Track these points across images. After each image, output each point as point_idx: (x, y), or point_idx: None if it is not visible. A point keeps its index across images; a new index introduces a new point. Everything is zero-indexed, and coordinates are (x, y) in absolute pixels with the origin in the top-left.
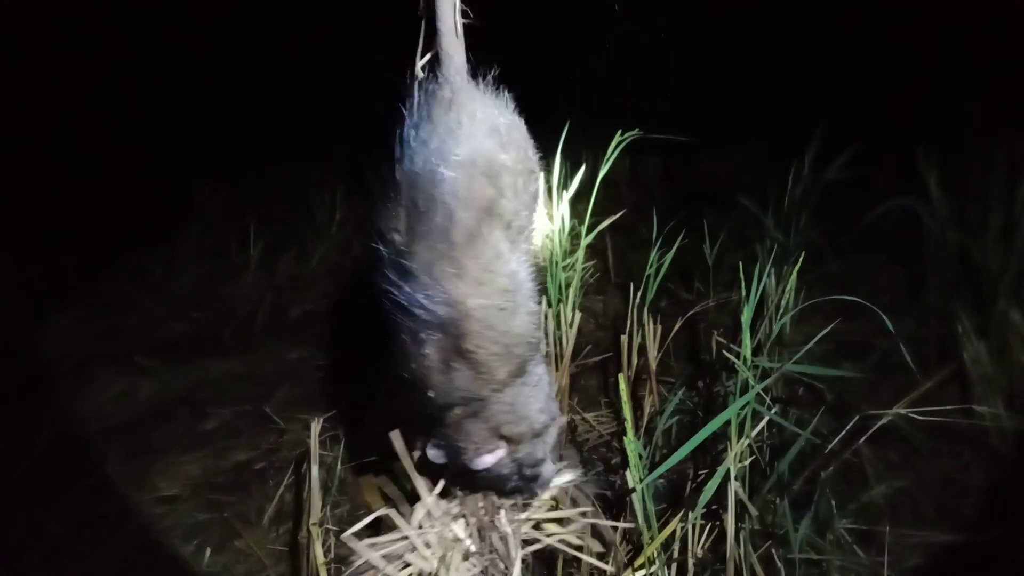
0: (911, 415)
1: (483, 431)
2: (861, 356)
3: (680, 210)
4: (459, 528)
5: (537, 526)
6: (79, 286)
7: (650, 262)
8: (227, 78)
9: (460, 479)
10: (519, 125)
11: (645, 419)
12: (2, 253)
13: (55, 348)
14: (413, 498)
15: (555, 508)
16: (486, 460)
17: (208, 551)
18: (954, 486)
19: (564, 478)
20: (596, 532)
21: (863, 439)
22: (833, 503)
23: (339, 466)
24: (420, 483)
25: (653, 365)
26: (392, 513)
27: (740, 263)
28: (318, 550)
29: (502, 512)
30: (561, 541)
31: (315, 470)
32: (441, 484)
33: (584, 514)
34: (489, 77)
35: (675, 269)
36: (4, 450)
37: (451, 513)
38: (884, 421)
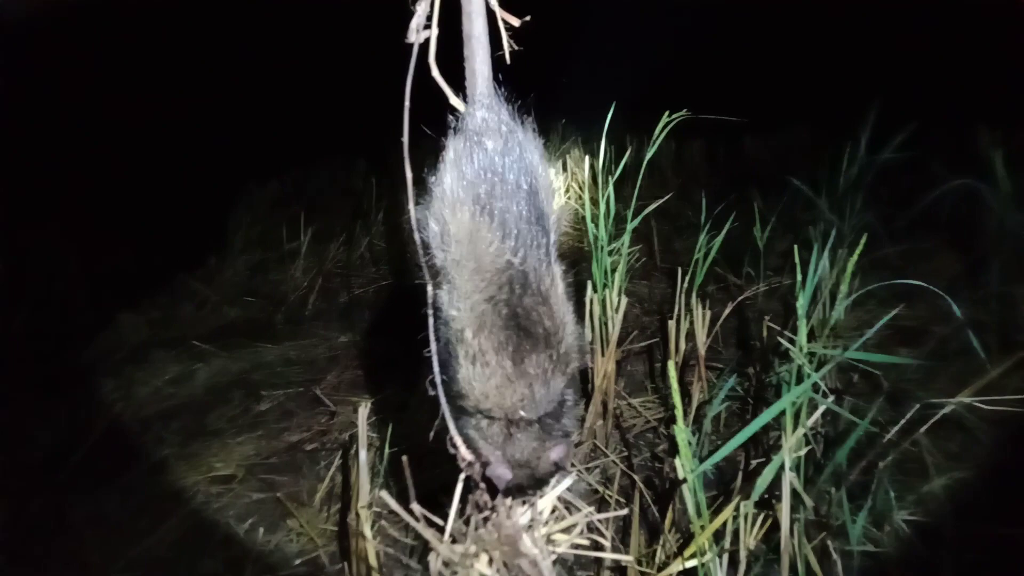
0: (975, 404)
1: (534, 441)
2: (917, 343)
3: (727, 193)
4: (484, 566)
5: (548, 540)
6: (139, 274)
7: (699, 246)
8: (277, 74)
9: (468, 502)
10: (539, 144)
11: (694, 406)
12: (67, 244)
13: (116, 333)
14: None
15: (560, 517)
16: (559, 451)
17: (262, 530)
18: (1017, 478)
19: (563, 485)
20: (644, 525)
21: (923, 429)
22: (892, 495)
23: (387, 449)
24: (429, 533)
25: (702, 351)
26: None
27: (795, 247)
28: (367, 532)
29: (524, 536)
30: (576, 546)
31: (363, 454)
32: (449, 527)
33: (588, 520)
34: (511, 94)
35: (722, 253)
36: (65, 432)
37: (470, 553)
38: (947, 410)
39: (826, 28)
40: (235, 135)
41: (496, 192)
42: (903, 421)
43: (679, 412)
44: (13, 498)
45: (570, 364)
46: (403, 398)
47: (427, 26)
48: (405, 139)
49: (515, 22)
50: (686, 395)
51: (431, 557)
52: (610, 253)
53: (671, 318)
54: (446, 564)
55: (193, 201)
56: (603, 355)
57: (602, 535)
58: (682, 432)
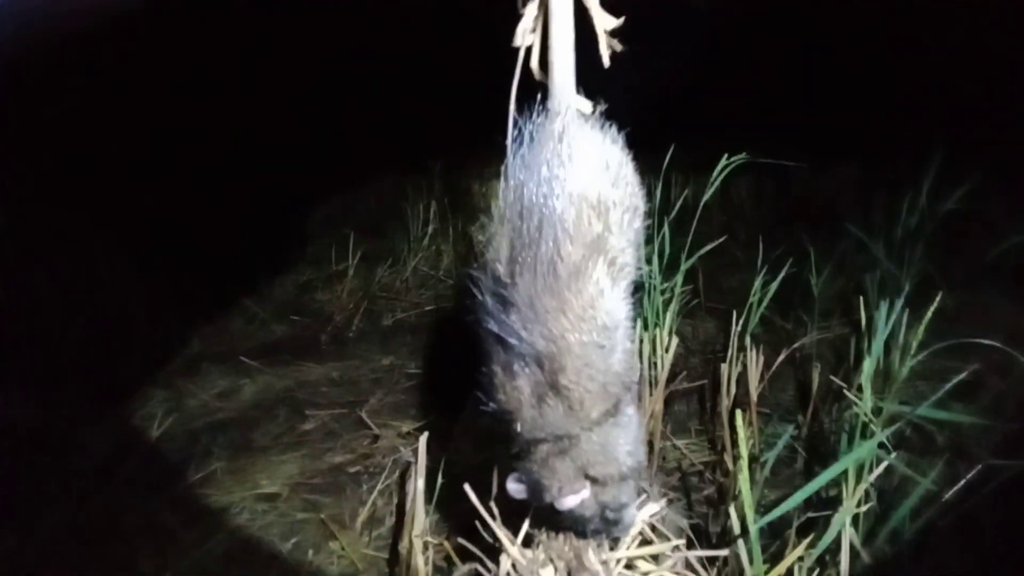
0: None
1: (570, 470)
2: (978, 400)
3: (778, 235)
4: (549, 573)
5: (629, 565)
6: (191, 289)
7: (753, 290)
8: (326, 94)
9: (541, 516)
10: (627, 161)
11: (744, 452)
12: (126, 257)
13: (169, 346)
14: (494, 550)
15: (645, 543)
16: (570, 501)
17: (306, 550)
18: None
19: (648, 511)
20: (690, 567)
21: (985, 490)
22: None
23: (440, 478)
24: (502, 533)
25: (754, 396)
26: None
27: (855, 297)
28: (419, 561)
29: (589, 551)
30: None
31: (421, 482)
32: (524, 531)
33: (677, 547)
34: (598, 109)
35: (772, 296)
36: (118, 441)
37: (538, 560)
38: (1011, 472)
39: (886, 72)
40: (290, 155)
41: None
42: (963, 481)
43: (744, 461)
44: (67, 505)
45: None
46: (446, 425)
47: (532, 30)
48: (509, 142)
49: (612, 23)
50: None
51: (502, 558)
52: (662, 292)
53: (723, 361)
54: (514, 567)
55: (247, 219)
56: (651, 395)
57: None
58: (745, 482)
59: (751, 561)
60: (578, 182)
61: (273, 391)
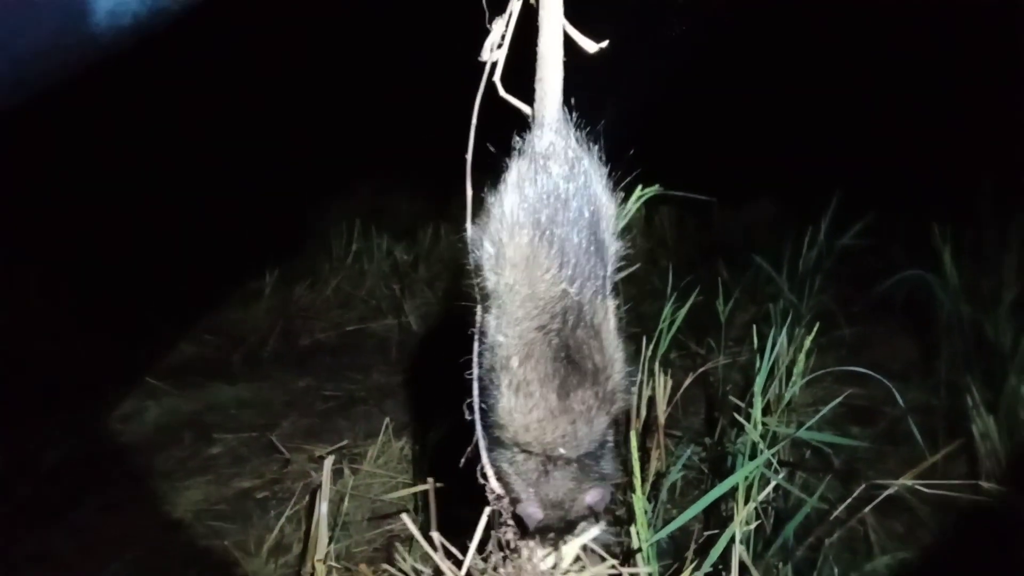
0: (917, 487)
1: (570, 482)
2: (869, 423)
3: (694, 263)
4: None
5: None
6: (94, 307)
7: (663, 316)
8: (247, 111)
9: (499, 533)
10: (604, 173)
11: (652, 473)
12: (21, 275)
13: (67, 366)
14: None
15: (582, 568)
16: (596, 495)
17: None
18: (959, 562)
19: (590, 534)
20: None
21: (869, 508)
22: (836, 571)
23: (345, 501)
24: (445, 565)
25: (662, 419)
26: None
27: (754, 325)
28: None
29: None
30: None
31: (324, 506)
32: (467, 563)
33: (613, 567)
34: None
35: (686, 322)
36: (11, 466)
37: None
38: (891, 491)
39: (796, 114)
40: (205, 171)
41: (558, 218)
42: (850, 499)
43: (637, 481)
44: None
45: (615, 404)
46: (361, 449)
47: (499, 46)
48: (469, 157)
49: (592, 48)
50: (645, 462)
51: None
52: None
53: (634, 384)
54: None
55: (155, 234)
56: None
57: None
58: (639, 501)
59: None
60: (576, 199)
61: (179, 414)
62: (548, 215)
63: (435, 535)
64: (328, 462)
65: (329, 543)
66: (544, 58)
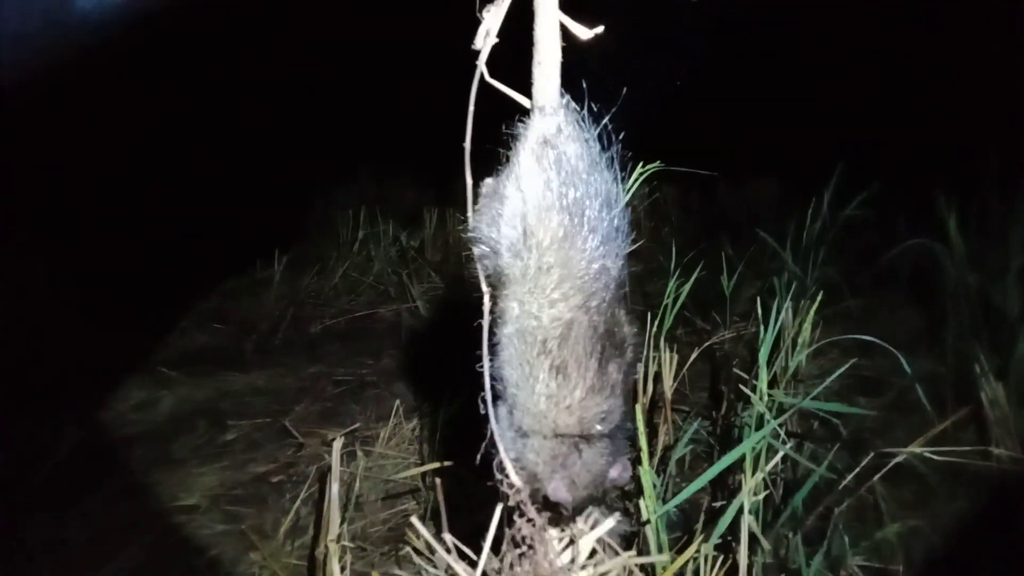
0: (927, 455)
1: (600, 458)
2: (876, 393)
3: (698, 240)
4: None
5: None
6: (107, 298)
7: (668, 291)
8: (253, 95)
9: (514, 530)
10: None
11: (660, 448)
12: (34, 266)
13: (80, 356)
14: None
15: (600, 561)
16: (619, 469)
17: (223, 562)
18: (968, 528)
19: (605, 526)
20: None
21: (878, 476)
22: (846, 540)
23: (357, 483)
24: (459, 567)
25: (668, 394)
26: None
27: (758, 297)
28: (335, 566)
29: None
30: None
31: (335, 487)
32: (482, 564)
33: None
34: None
35: (692, 298)
36: (26, 455)
37: None
38: (900, 459)
39: (799, 86)
40: (213, 160)
41: (583, 197)
42: (858, 468)
43: (645, 454)
44: None
45: (634, 372)
46: (373, 432)
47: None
48: (467, 145)
49: (586, 35)
50: (653, 437)
51: None
52: None
53: (639, 360)
54: None
55: (165, 225)
56: None
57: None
58: (647, 474)
59: (659, 552)
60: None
61: (193, 402)
62: (574, 196)
63: (447, 537)
64: (338, 443)
65: (342, 523)
66: (541, 42)
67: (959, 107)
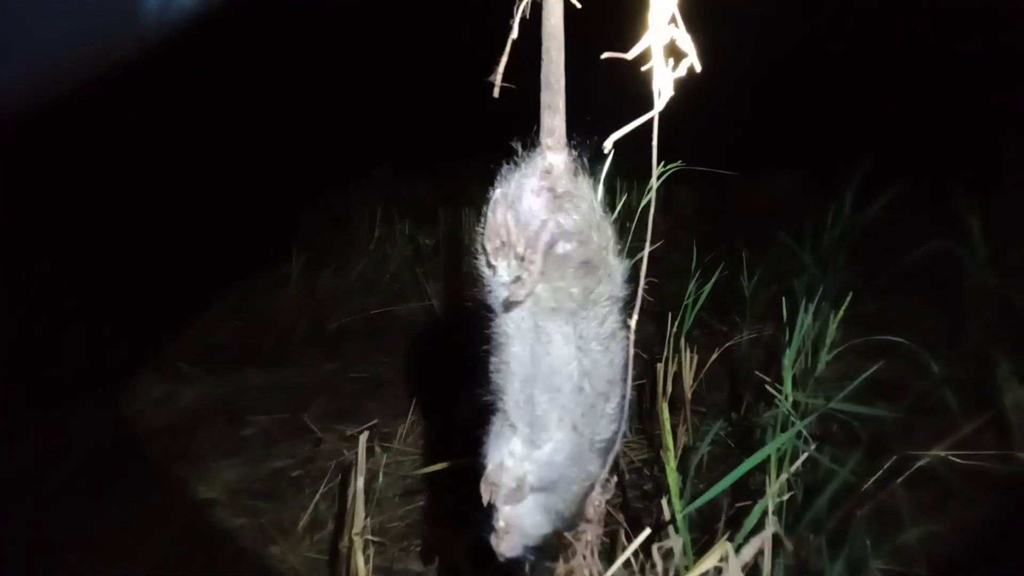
0: (950, 458)
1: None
2: (896, 397)
3: (715, 240)
4: None
5: None
6: (127, 293)
7: (688, 292)
8: (268, 98)
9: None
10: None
11: (679, 448)
12: (54, 262)
13: (101, 352)
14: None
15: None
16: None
17: (243, 557)
18: (990, 533)
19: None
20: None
21: (900, 480)
22: (868, 543)
23: (379, 478)
24: None
25: (688, 394)
26: None
27: (782, 299)
28: (359, 559)
29: None
30: None
31: (360, 481)
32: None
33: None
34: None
35: (709, 299)
36: (49, 450)
37: None
38: (923, 462)
39: (821, 86)
40: (232, 158)
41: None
42: (881, 471)
43: (671, 454)
44: None
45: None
46: (392, 428)
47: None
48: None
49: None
50: (672, 437)
51: None
52: None
53: (660, 361)
54: None
55: (186, 222)
56: None
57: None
58: (673, 474)
59: (683, 552)
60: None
61: (212, 397)
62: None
63: None
64: (363, 438)
65: (365, 518)
66: (550, 84)
67: (983, 108)
